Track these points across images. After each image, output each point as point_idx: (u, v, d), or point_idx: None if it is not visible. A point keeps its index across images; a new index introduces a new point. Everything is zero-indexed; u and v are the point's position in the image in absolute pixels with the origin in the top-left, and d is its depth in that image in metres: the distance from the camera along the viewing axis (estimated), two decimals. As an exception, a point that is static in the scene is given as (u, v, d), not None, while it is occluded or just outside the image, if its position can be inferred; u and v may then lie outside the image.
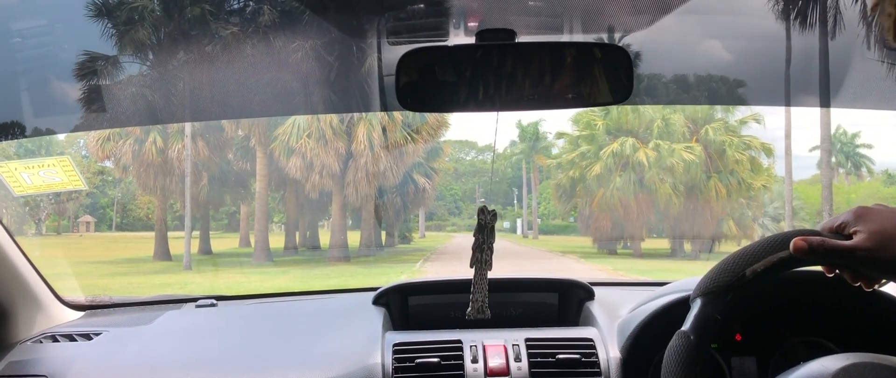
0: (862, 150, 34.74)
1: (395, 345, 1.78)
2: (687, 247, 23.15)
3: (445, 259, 22.10)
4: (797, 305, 1.71)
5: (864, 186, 32.87)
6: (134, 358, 1.86)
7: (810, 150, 30.94)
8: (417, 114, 18.16)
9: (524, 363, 1.72)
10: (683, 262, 21.25)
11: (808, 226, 1.11)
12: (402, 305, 2.12)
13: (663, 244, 24.17)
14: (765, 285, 1.11)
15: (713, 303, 1.07)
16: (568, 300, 2.13)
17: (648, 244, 24.25)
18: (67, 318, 2.21)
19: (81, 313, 2.27)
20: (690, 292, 1.11)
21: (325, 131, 20.24)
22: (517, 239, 32.36)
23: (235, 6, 2.96)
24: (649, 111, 22.87)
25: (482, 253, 1.43)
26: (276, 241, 23.11)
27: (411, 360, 1.72)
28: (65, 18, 2.40)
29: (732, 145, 22.60)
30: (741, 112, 22.78)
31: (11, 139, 2.31)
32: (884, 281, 1.13)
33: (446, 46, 1.38)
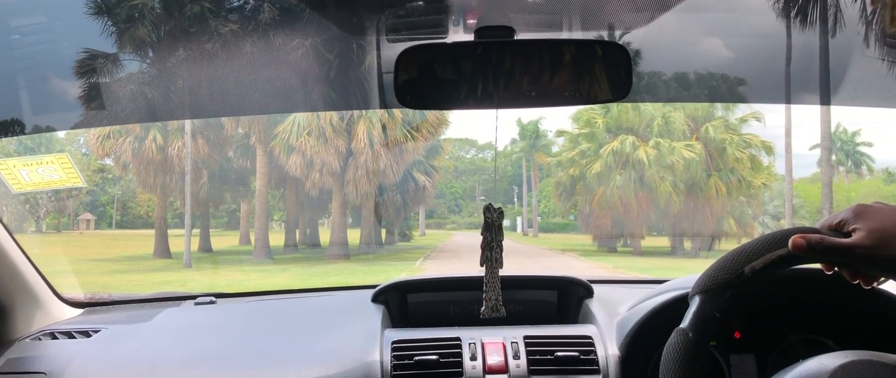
0: (862, 149, 34.74)
1: (393, 342, 1.78)
2: (687, 245, 23.13)
3: (445, 257, 22.09)
4: (796, 303, 1.71)
5: (865, 185, 32.85)
6: (133, 355, 1.86)
7: (810, 149, 30.94)
8: (417, 111, 18.18)
9: (523, 361, 1.72)
10: (683, 260, 21.24)
11: (808, 224, 1.11)
12: (401, 303, 2.12)
13: (663, 242, 24.15)
14: (764, 283, 1.11)
15: (712, 300, 1.06)
16: (567, 298, 2.13)
17: (648, 242, 24.24)
18: (66, 315, 2.21)
19: (80, 311, 2.27)
20: (689, 290, 1.11)
21: (326, 129, 20.23)
22: (517, 237, 32.35)
23: (235, 4, 2.96)
24: (649, 109, 22.85)
25: (491, 251, 1.43)
26: (277, 238, 23.10)
27: (410, 357, 1.72)
28: (65, 16, 2.40)
29: (733, 143, 22.59)
30: (741, 110, 22.77)
31: (11, 136, 2.31)
32: (883, 279, 1.13)
33: (445, 43, 1.38)
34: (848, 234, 1.05)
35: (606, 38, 1.79)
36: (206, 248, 22.82)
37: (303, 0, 2.14)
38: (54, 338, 1.95)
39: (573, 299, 2.10)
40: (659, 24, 1.74)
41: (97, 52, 2.55)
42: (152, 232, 22.27)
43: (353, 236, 22.42)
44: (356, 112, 19.73)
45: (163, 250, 21.18)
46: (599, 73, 1.36)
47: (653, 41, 2.06)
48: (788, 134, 22.09)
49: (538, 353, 1.74)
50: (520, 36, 1.36)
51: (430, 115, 19.81)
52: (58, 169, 2.44)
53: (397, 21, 1.80)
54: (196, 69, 2.64)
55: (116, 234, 30.72)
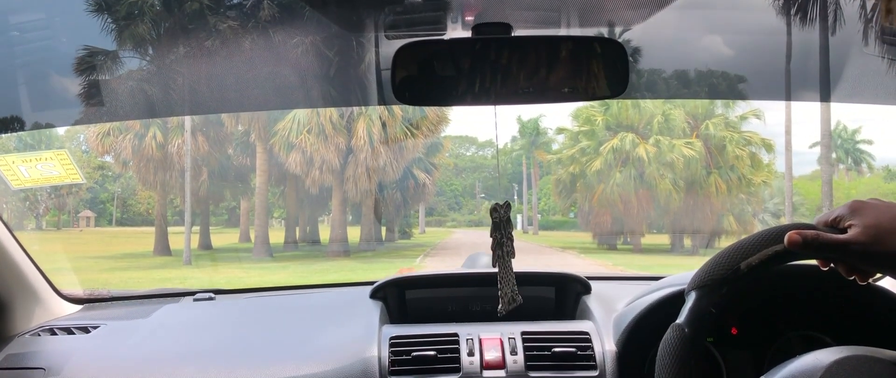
0: (862, 146, 34.70)
1: (391, 338, 1.78)
2: (687, 242, 23.14)
3: (445, 254, 22.10)
4: (793, 300, 1.72)
5: (865, 182, 32.82)
6: (131, 351, 1.86)
7: (810, 146, 30.88)
8: (417, 109, 18.17)
9: (520, 356, 1.73)
10: (683, 257, 21.25)
11: (807, 221, 1.11)
12: (399, 299, 2.12)
13: (663, 240, 24.15)
14: (760, 279, 1.11)
15: (708, 296, 1.07)
16: (565, 294, 2.13)
17: (648, 239, 24.24)
18: (65, 311, 2.21)
19: (79, 307, 2.28)
20: (685, 286, 1.12)
21: (325, 126, 20.23)
22: (518, 234, 32.05)
23: (234, 1, 2.96)
24: (649, 107, 22.85)
25: (502, 248, 1.44)
26: (276, 236, 23.11)
27: (408, 353, 1.73)
28: (64, 13, 2.41)
29: (733, 141, 22.58)
30: (741, 107, 22.78)
31: (11, 133, 2.32)
32: (878, 275, 1.13)
33: (442, 40, 1.38)
34: (844, 231, 1.05)
35: (603, 35, 1.79)
36: (206, 245, 22.83)
37: (302, -3, 2.15)
38: (53, 334, 1.96)
39: (571, 295, 2.10)
40: (659, 21, 1.74)
41: (97, 49, 2.55)
42: (152, 229, 22.29)
43: (353, 234, 22.43)
44: (356, 109, 19.74)
45: (163, 247, 21.20)
46: (596, 69, 1.37)
47: (653, 38, 2.07)
48: (788, 131, 22.13)
49: (535, 349, 1.75)
50: (517, 32, 1.37)
51: (430, 112, 19.81)
52: (57, 165, 2.44)
53: (396, 18, 1.80)
54: (196, 66, 2.64)
55: (116, 231, 30.72)
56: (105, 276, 15.39)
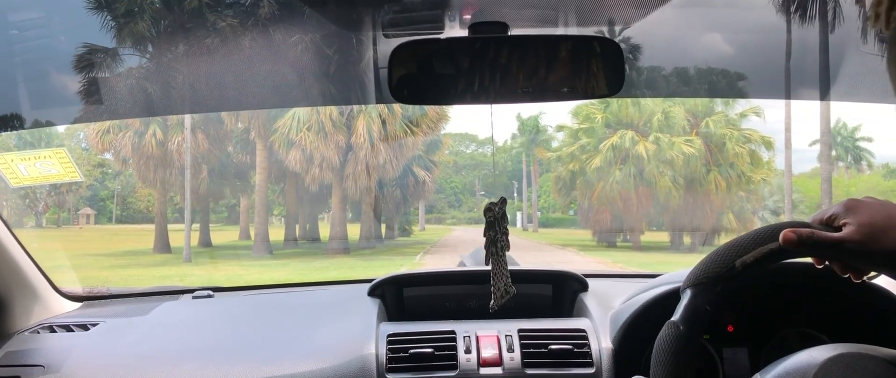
0: (862, 144, 34.67)
1: (389, 335, 1.79)
2: (686, 240, 23.15)
3: (445, 252, 22.11)
4: (790, 297, 1.72)
5: (864, 180, 32.81)
6: (130, 348, 1.87)
7: (810, 144, 30.86)
8: (417, 107, 18.16)
9: (517, 354, 1.73)
10: (682, 254, 21.26)
11: (805, 219, 1.11)
12: (397, 297, 2.13)
13: (663, 237, 24.16)
14: (756, 277, 1.11)
15: (703, 294, 1.07)
16: (562, 292, 2.14)
17: (648, 237, 24.25)
18: (65, 308, 2.22)
19: (79, 304, 2.28)
20: (681, 284, 1.12)
21: (325, 124, 20.23)
22: (517, 232, 32.34)
23: (232, -1, 2.96)
24: (649, 104, 22.85)
25: (495, 246, 1.44)
26: (276, 233, 23.12)
27: (405, 350, 1.73)
28: (64, 10, 2.41)
29: (732, 138, 22.58)
30: (741, 105, 22.77)
31: (11, 131, 2.32)
32: (873, 273, 1.14)
33: (438, 39, 1.39)
34: (838, 229, 1.06)
35: (600, 34, 1.79)
36: (205, 242, 22.85)
37: (300, -4, 2.15)
38: (53, 331, 1.96)
39: (568, 293, 2.11)
40: (659, 19, 1.74)
41: (97, 47, 2.56)
42: (152, 227, 22.30)
43: (353, 231, 22.44)
44: (356, 107, 19.75)
45: (162, 245, 21.21)
46: (591, 68, 1.37)
47: (652, 36, 2.07)
48: (788, 129, 22.13)
49: (532, 346, 1.75)
50: (514, 31, 1.37)
51: (430, 110, 19.81)
52: (55, 163, 2.44)
53: (394, 16, 1.80)
54: (195, 64, 2.65)
55: (116, 228, 30.72)
56: (105, 273, 15.40)
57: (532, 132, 32.07)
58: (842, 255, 1.07)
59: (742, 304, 1.74)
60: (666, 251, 22.33)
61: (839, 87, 2.26)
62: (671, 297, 1.44)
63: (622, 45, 1.41)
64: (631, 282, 2.21)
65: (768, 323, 1.74)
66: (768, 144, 23.07)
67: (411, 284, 2.17)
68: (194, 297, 2.29)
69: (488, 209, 1.42)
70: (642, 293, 1.81)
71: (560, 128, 27.03)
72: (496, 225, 1.42)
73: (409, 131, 20.87)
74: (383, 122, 20.51)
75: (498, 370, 1.71)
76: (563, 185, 25.10)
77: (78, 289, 2.35)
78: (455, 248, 22.56)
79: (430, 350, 1.73)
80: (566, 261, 18.47)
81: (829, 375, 0.95)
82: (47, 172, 2.44)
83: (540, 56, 1.35)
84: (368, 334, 1.81)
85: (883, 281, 1.72)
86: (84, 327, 1.97)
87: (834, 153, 31.58)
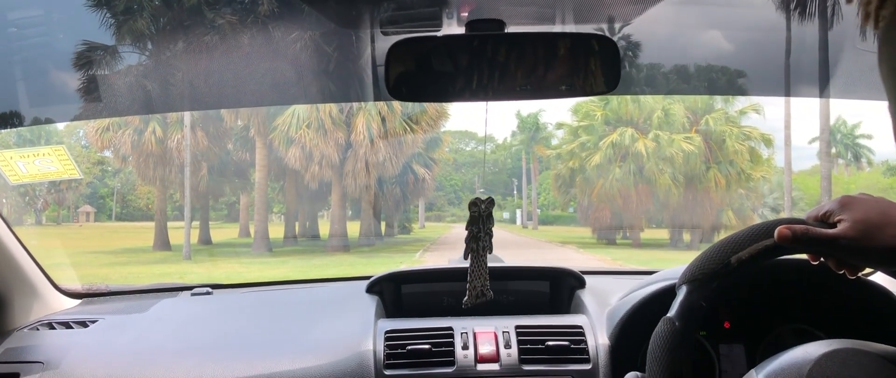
0: (862, 141, 34.61)
1: (386, 332, 1.79)
2: (686, 237, 23.15)
3: (445, 249, 22.12)
4: (785, 294, 1.73)
5: (864, 177, 32.79)
6: (129, 345, 1.88)
7: (810, 141, 30.89)
8: (416, 104, 18.15)
9: (514, 350, 1.74)
10: (682, 252, 21.27)
11: (803, 216, 1.12)
12: (395, 293, 2.14)
13: (662, 234, 24.16)
14: (753, 273, 1.12)
15: (698, 290, 1.08)
16: (559, 288, 2.14)
17: (647, 234, 24.26)
18: (64, 305, 2.22)
19: (78, 301, 2.29)
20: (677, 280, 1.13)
21: (325, 121, 20.22)
22: (517, 229, 32.36)
23: (231, -4, 2.96)
24: (649, 101, 22.82)
25: (477, 242, 1.44)
26: (276, 231, 23.12)
27: (403, 346, 1.74)
28: (63, 8, 2.41)
29: (732, 136, 22.57)
30: (741, 102, 22.74)
31: (10, 128, 2.32)
32: (868, 270, 1.14)
33: (435, 36, 1.39)
34: (833, 225, 1.06)
35: (597, 31, 1.80)
36: (205, 240, 22.84)
37: (299, -6, 2.15)
38: (52, 328, 1.97)
39: (565, 290, 2.12)
40: (658, 16, 1.75)
41: (96, 44, 2.56)
42: (152, 224, 22.30)
43: (353, 229, 22.44)
44: (355, 104, 19.73)
45: (162, 242, 21.21)
46: (590, 65, 1.37)
47: (652, 33, 2.07)
48: (788, 126, 22.14)
49: (529, 343, 1.76)
50: (510, 29, 1.37)
51: (430, 107, 19.80)
52: (54, 161, 2.45)
53: (392, 14, 1.80)
54: (195, 61, 2.65)
55: (116, 226, 30.73)
56: (105, 271, 15.40)
57: (532, 130, 32.06)
58: (836, 252, 1.07)
59: (738, 301, 1.75)
60: (665, 248, 22.33)
61: (838, 84, 2.26)
62: (667, 294, 1.44)
63: (621, 43, 1.42)
64: (628, 278, 2.22)
65: (764, 319, 1.75)
66: (768, 142, 23.07)
67: (409, 281, 2.17)
68: (193, 294, 2.29)
69: (474, 204, 1.42)
70: (639, 290, 1.82)
71: (560, 125, 27.04)
72: (480, 222, 1.43)
73: (408, 129, 20.86)
74: (383, 120, 20.50)
75: (495, 366, 1.72)
76: (562, 182, 25.09)
77: (77, 286, 2.36)
78: (455, 245, 22.54)
79: (427, 346, 1.73)
80: (566, 258, 18.48)
81: (824, 371, 0.96)
82: (46, 170, 2.44)
83: (537, 53, 1.35)
84: (366, 331, 1.81)
85: (878, 277, 1.73)
86: (83, 324, 1.98)
87: (833, 150, 31.54)
